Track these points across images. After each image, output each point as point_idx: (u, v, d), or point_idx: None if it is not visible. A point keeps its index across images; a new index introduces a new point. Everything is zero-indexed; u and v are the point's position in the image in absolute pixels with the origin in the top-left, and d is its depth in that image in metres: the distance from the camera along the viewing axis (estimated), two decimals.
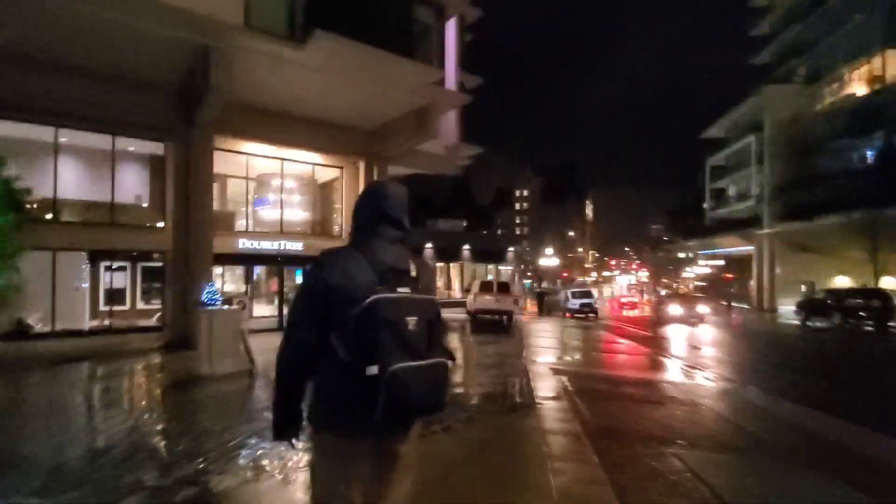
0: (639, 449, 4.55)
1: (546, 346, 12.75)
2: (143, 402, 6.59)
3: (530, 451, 4.38)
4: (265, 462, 4.04)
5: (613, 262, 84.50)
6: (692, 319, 21.92)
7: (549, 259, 28.93)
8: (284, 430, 1.68)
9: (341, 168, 16.12)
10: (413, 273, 1.67)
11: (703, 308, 22.92)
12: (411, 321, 1.54)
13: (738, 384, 7.92)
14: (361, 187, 15.91)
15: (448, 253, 26.60)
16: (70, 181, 12.82)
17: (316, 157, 15.52)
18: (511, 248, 29.83)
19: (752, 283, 35.21)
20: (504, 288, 18.98)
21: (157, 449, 4.40)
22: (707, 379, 8.36)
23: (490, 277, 23.66)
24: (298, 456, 4.15)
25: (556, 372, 8.63)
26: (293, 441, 1.71)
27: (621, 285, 59.78)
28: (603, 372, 9.08)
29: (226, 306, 9.67)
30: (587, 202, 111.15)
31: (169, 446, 4.47)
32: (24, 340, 11.41)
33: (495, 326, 17.34)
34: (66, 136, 12.27)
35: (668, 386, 7.71)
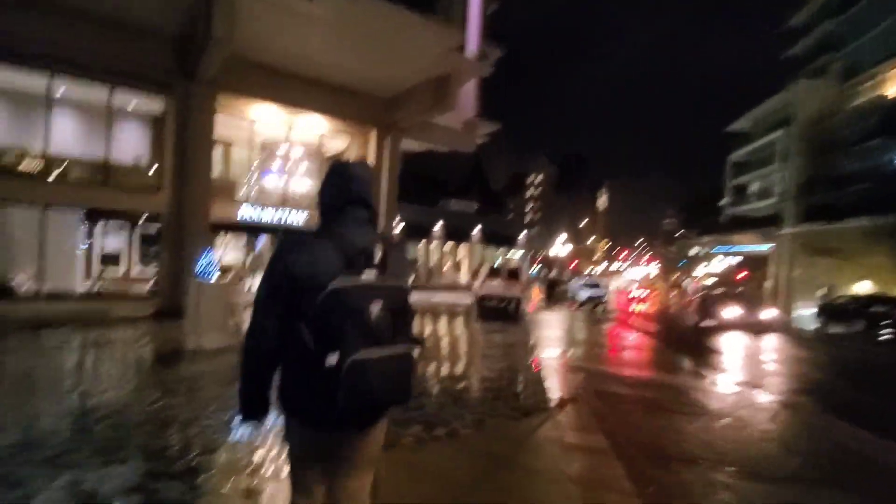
0: (681, 474, 3.81)
1: (557, 339, 12.02)
2: (111, 379, 5.94)
3: (551, 473, 3.65)
4: (228, 458, 3.35)
5: (623, 255, 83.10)
6: (753, 325, 17.19)
7: (561, 247, 27.76)
8: (249, 414, 1.65)
9: (351, 138, 15.28)
10: (379, 257, 1.54)
11: (769, 312, 18.39)
12: (375, 308, 1.45)
13: (774, 393, 7.14)
14: (371, 160, 15.10)
15: (458, 234, 25.75)
16: (65, 136, 12.12)
17: (325, 126, 14.67)
18: (523, 233, 28.90)
19: (768, 284, 34.17)
20: (514, 274, 18.21)
21: (107, 441, 3.71)
22: (735, 385, 7.59)
23: (499, 262, 22.86)
24: (261, 455, 3.45)
25: (572, 369, 7.90)
26: (258, 423, 1.68)
27: (631, 279, 58.77)
28: (621, 371, 8.33)
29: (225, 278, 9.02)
30: (602, 192, 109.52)
31: (122, 439, 3.79)
32: (7, 302, 10.84)
33: (502, 314, 16.60)
34: (61, 88, 11.51)
35: (698, 392, 6.95)
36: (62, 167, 11.51)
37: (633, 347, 11.69)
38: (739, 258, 39.44)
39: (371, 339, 1.42)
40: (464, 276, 25.88)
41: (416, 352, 1.57)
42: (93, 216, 13.99)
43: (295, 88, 12.63)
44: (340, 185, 1.63)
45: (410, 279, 1.75)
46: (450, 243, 26.19)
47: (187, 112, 11.23)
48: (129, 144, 12.92)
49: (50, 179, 11.21)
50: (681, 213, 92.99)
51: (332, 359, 1.37)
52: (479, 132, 16.49)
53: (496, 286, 17.66)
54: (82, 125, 12.41)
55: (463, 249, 26.80)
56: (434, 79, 11.94)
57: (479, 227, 26.22)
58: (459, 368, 7.38)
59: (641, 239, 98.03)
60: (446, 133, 15.39)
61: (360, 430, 1.58)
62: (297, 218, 14.32)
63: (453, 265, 26.55)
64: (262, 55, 11.48)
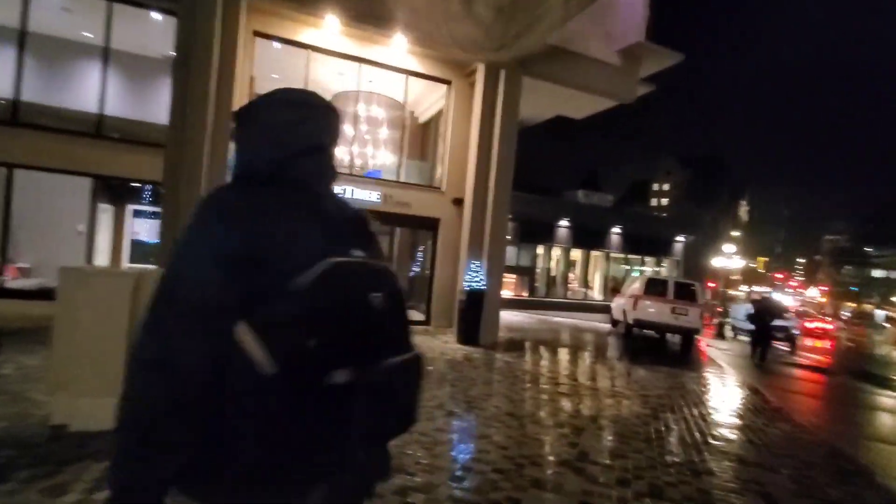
0: None
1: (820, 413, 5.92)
2: None
3: None
4: None
5: (777, 276, 68.32)
6: None
7: (728, 259, 20.35)
8: None
9: (448, 84, 10.50)
10: (370, 229, 1.07)
11: None
12: (376, 299, 0.92)
13: None
14: (477, 113, 10.16)
15: (589, 236, 19.64)
16: (44, 80, 9.03)
17: (408, 62, 10.08)
18: (681, 238, 21.55)
19: None
20: (687, 292, 12.04)
21: None
22: None
23: (651, 275, 16.47)
24: None
25: None
26: None
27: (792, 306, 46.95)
28: None
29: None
30: (743, 203, 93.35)
31: None
32: None
33: (660, 350, 11.50)
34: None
35: None
36: (39, 118, 8.19)
37: None
38: None
39: (382, 343, 0.93)
40: (598, 292, 19.84)
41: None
42: (113, 191, 10.88)
43: None
44: (294, 119, 0.99)
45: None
46: (577, 251, 20.29)
47: (194, 23, 7.22)
48: (136, 92, 9.52)
49: (16, 126, 7.87)
50: (856, 226, 75.58)
51: (342, 375, 0.83)
52: (641, 71, 10.70)
53: (660, 309, 11.83)
54: (71, 66, 9.23)
55: (597, 258, 20.68)
56: None
57: (618, 227, 19.89)
58: None
59: (802, 260, 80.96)
60: (594, 69, 9.90)
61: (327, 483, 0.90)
62: (367, 196, 9.84)
63: (581, 279, 20.51)
64: None
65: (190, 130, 7.24)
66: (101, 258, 10.94)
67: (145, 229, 12.13)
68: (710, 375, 8.75)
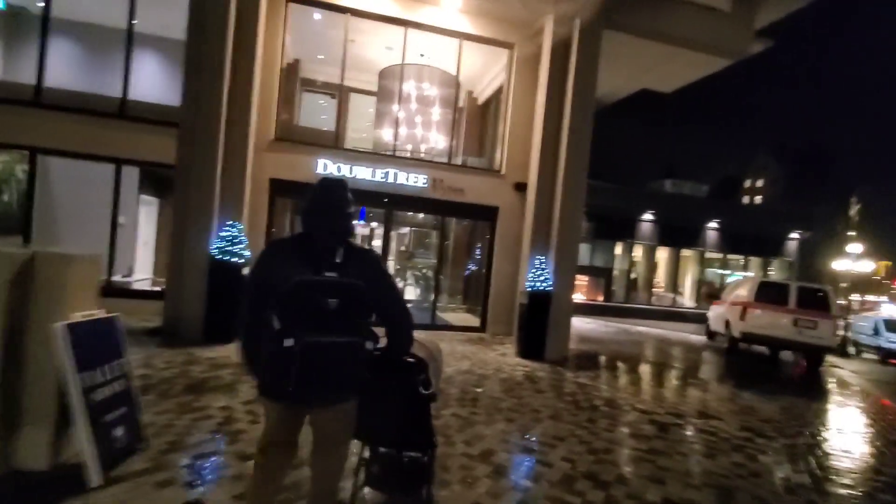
0: None
1: None
2: None
3: None
4: None
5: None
6: None
7: (854, 261, 16.45)
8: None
9: (510, 48, 8.88)
10: (338, 259, 1.82)
11: None
12: (332, 302, 1.72)
13: None
14: (544, 78, 8.33)
15: (679, 232, 16.95)
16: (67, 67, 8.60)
17: (465, 24, 8.58)
18: (796, 235, 18.12)
19: None
20: (814, 300, 9.59)
21: None
22: None
23: (773, 278, 13.73)
24: None
25: None
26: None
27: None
28: None
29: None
30: (853, 201, 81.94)
31: None
32: None
33: (781, 373, 9.04)
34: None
35: None
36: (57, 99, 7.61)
37: None
38: None
39: (323, 328, 1.70)
40: (689, 298, 17.17)
41: (369, 344, 1.82)
42: (158, 183, 10.38)
43: None
44: (315, 196, 1.88)
45: (384, 281, 1.94)
46: (664, 248, 17.72)
47: None
48: (160, 82, 8.85)
49: (37, 107, 7.31)
50: None
51: (289, 341, 1.67)
52: (758, 19, 8.43)
53: (775, 321, 9.48)
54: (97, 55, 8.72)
55: (688, 258, 17.94)
56: None
57: (715, 222, 17.04)
58: None
59: None
60: (696, 16, 7.86)
61: (312, 406, 1.83)
62: (412, 180, 8.43)
63: (669, 281, 17.83)
64: None
65: (203, 107, 6.24)
66: (144, 252, 10.49)
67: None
68: (869, 413, 6.43)
